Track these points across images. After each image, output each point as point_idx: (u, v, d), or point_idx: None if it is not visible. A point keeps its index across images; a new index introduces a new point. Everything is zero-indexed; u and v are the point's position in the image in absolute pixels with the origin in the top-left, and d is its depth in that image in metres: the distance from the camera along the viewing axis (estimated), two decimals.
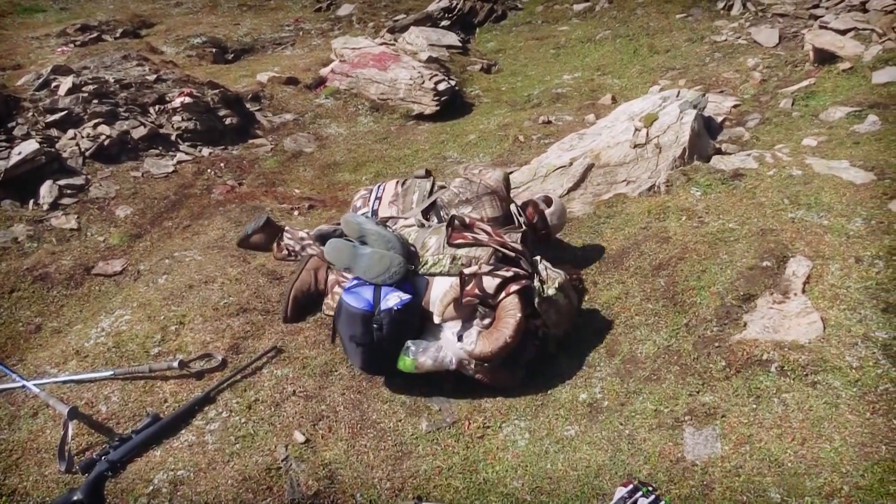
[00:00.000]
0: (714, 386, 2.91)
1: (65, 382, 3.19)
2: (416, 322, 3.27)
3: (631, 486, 2.41)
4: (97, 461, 2.75)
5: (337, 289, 3.54)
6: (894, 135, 4.45)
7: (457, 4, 10.38)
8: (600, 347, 3.36)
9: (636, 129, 4.75)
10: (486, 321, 3.17)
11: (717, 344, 3.08)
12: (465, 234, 3.43)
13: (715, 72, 6.71)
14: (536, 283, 3.26)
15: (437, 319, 3.25)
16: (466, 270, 3.21)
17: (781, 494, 2.39)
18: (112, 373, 3.20)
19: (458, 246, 3.39)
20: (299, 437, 2.93)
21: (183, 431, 2.95)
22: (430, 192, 3.96)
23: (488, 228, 3.49)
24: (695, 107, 4.93)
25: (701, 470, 2.58)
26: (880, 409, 2.59)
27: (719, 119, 5.51)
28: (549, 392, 3.18)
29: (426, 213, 3.83)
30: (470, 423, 3.06)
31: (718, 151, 4.82)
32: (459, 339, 3.15)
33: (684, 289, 3.44)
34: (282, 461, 2.81)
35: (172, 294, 3.76)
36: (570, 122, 6.37)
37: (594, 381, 3.18)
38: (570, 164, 4.74)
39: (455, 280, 3.22)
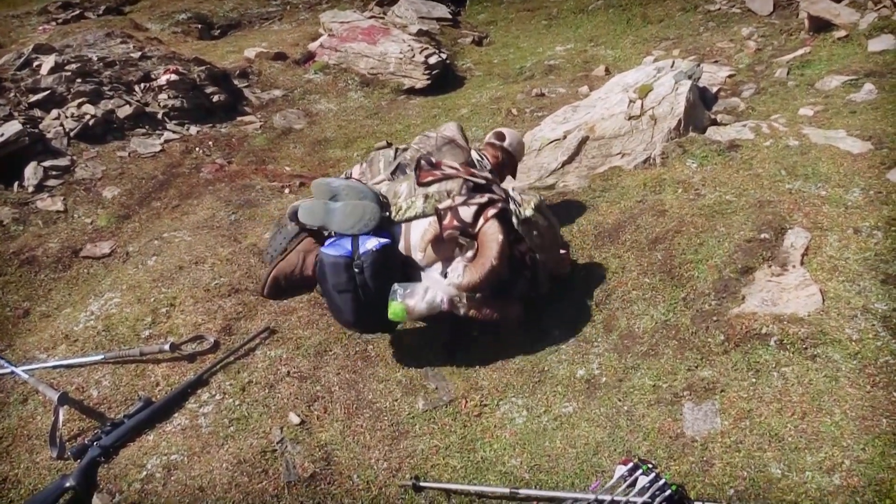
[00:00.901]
0: (713, 360, 2.88)
1: (55, 367, 3.15)
2: (398, 267, 3.25)
3: (631, 465, 2.37)
4: (89, 447, 2.72)
5: None
6: (891, 103, 4.39)
7: None
8: (597, 323, 3.32)
9: (630, 101, 4.68)
10: (470, 253, 3.17)
11: (715, 318, 3.04)
12: (434, 171, 3.42)
13: (709, 41, 6.62)
14: (513, 206, 3.27)
15: (418, 257, 3.25)
16: (441, 205, 3.22)
17: (782, 469, 2.37)
18: (102, 357, 3.15)
19: (429, 184, 3.37)
20: (294, 418, 2.89)
21: (176, 415, 2.92)
22: (395, 157, 3.95)
23: (455, 164, 3.48)
24: (689, 77, 4.86)
25: (700, 446, 2.55)
26: (880, 381, 2.56)
27: (714, 89, 5.44)
28: (546, 369, 3.15)
29: (393, 175, 3.83)
30: (467, 402, 3.03)
31: (714, 122, 4.76)
32: (445, 276, 3.13)
33: (682, 262, 3.40)
34: (277, 443, 2.78)
35: (162, 275, 3.70)
36: (564, 94, 6.29)
37: (591, 357, 3.14)
38: (564, 137, 4.68)
39: (433, 219, 3.22)
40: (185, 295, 3.54)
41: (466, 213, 3.17)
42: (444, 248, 3.20)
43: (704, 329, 3.02)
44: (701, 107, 4.86)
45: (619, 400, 2.87)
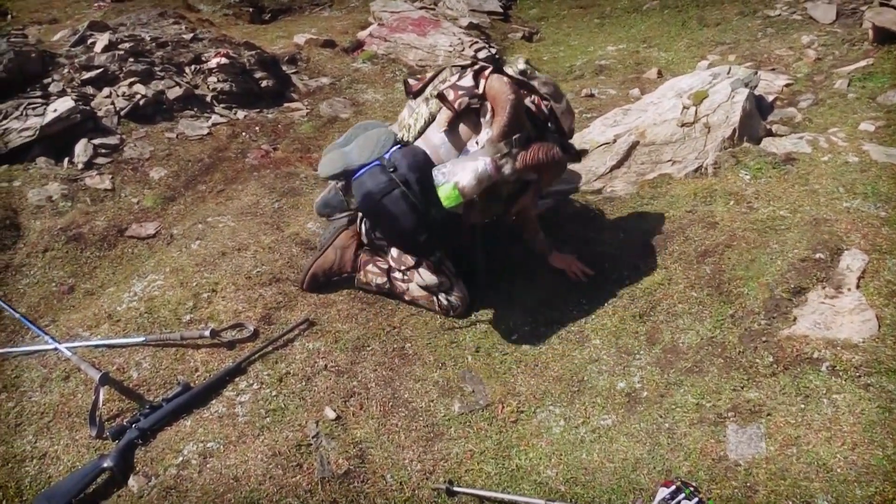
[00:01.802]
0: (760, 382, 2.79)
1: (97, 346, 3.19)
2: (429, 162, 3.24)
3: (673, 487, 2.31)
4: (128, 428, 2.75)
5: (370, 266, 3.46)
6: None
7: None
8: (640, 335, 3.25)
9: (684, 107, 4.57)
10: (487, 116, 3.21)
11: (764, 338, 2.95)
12: (420, 79, 3.55)
13: (767, 48, 6.43)
14: (505, 68, 3.38)
15: (442, 147, 3.30)
16: (440, 88, 3.30)
17: (829, 501, 2.29)
18: (144, 339, 3.18)
19: (421, 90, 3.48)
20: (330, 413, 2.89)
21: (213, 402, 2.93)
22: None
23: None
24: (746, 85, 4.72)
25: (744, 470, 2.48)
26: None
27: (770, 98, 5.28)
28: (585, 378, 3.09)
29: None
30: (503, 407, 2.99)
31: (769, 133, 4.62)
32: (477, 145, 3.22)
33: (731, 278, 3.31)
34: (312, 438, 2.77)
35: (205, 260, 3.73)
36: (614, 96, 6.17)
37: (633, 370, 3.08)
38: (614, 140, 4.58)
39: (444, 110, 3.30)
40: (227, 281, 3.56)
41: (466, 81, 3.24)
42: (461, 136, 3.27)
43: (752, 349, 2.93)
44: (757, 116, 4.72)
45: (661, 416, 2.80)
